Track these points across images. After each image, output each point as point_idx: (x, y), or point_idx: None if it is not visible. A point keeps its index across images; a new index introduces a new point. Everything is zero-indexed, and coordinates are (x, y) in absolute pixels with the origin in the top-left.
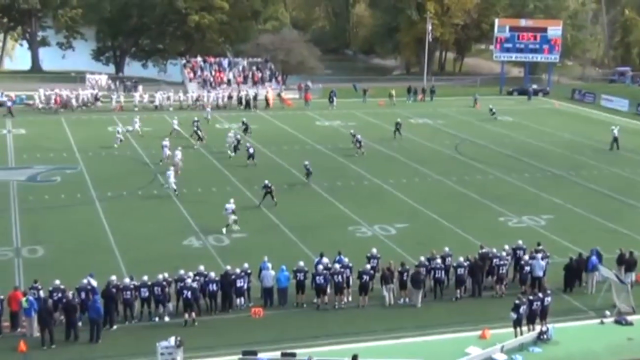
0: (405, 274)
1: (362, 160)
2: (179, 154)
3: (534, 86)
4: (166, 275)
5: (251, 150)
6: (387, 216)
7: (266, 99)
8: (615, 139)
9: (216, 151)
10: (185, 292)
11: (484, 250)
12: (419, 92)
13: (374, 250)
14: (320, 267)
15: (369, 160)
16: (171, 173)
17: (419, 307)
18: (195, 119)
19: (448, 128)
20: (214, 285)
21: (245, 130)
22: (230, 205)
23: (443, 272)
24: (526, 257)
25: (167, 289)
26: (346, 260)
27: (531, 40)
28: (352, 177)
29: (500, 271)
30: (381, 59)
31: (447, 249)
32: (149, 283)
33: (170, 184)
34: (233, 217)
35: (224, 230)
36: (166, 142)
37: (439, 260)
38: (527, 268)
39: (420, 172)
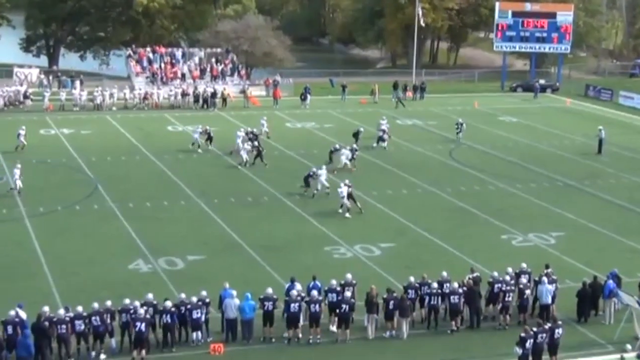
0: (392, 302)
1: (339, 169)
2: (17, 172)
3: (542, 81)
4: (108, 303)
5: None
6: (370, 234)
7: (222, 97)
8: (600, 142)
9: (169, 158)
10: (137, 324)
11: (475, 275)
12: (407, 89)
13: (349, 277)
14: (294, 293)
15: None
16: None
17: (405, 340)
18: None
19: (441, 130)
20: (168, 316)
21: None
22: (341, 190)
23: (439, 298)
24: (524, 279)
25: (108, 321)
26: (320, 286)
27: (538, 28)
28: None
29: (506, 298)
30: (362, 50)
31: (445, 273)
32: (85, 314)
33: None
34: (346, 202)
35: (347, 214)
36: None
37: (435, 285)
38: (527, 292)
39: (408, 183)
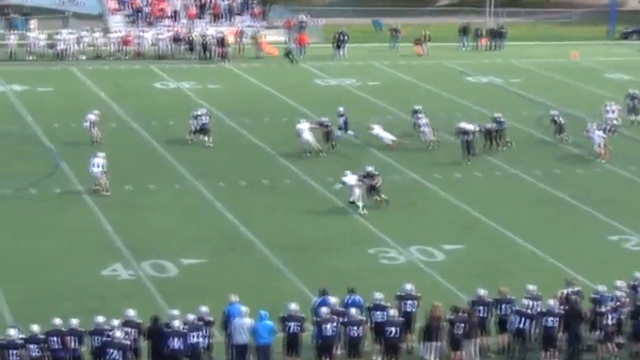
0: (461, 325)
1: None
2: None
3: None
4: (75, 322)
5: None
6: (431, 232)
7: (221, 42)
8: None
9: (157, 125)
10: (113, 351)
11: (573, 289)
12: (481, 34)
13: (409, 287)
14: (324, 310)
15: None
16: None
17: None
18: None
19: (527, 91)
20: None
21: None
22: (348, 179)
23: (527, 320)
24: None
25: (73, 345)
26: (360, 301)
27: None
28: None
29: (610, 321)
30: None
31: (532, 287)
32: (42, 336)
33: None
34: (357, 192)
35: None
36: None
37: (525, 302)
38: None
39: (482, 163)
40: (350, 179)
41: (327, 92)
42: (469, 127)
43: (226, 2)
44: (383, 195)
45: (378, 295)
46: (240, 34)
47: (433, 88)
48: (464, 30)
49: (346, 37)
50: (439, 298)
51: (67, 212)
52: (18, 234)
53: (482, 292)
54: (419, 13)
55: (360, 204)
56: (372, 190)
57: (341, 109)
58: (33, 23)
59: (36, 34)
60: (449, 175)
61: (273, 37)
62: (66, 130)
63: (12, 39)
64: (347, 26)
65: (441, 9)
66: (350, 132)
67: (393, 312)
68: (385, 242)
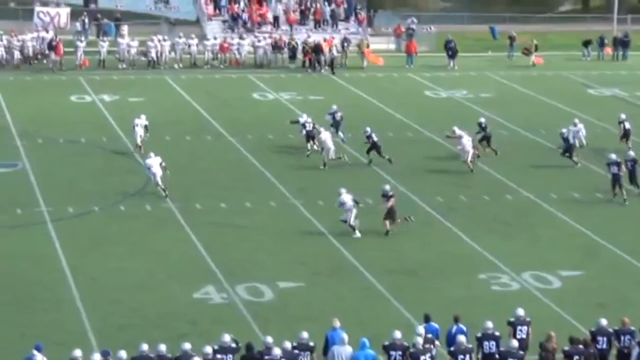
0: (578, 357)
1: (503, 160)
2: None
3: None
4: (162, 348)
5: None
6: (547, 257)
7: (316, 49)
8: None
9: (253, 139)
10: None
11: None
12: (605, 43)
13: (520, 312)
14: (462, 340)
15: (513, 158)
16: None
17: None
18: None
19: None
20: None
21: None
22: (342, 198)
23: None
24: None
25: None
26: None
27: None
28: (485, 187)
29: None
30: None
31: None
32: None
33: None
34: (354, 212)
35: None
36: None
37: None
38: None
39: (604, 181)
40: (346, 198)
41: (437, 105)
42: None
43: (329, 7)
44: (398, 220)
45: (489, 324)
46: (345, 42)
47: (551, 101)
48: (586, 42)
49: (454, 45)
50: (554, 328)
51: (157, 231)
52: (105, 254)
53: (604, 322)
54: (539, 20)
55: (355, 225)
56: (389, 213)
57: (334, 107)
58: (124, 29)
59: (128, 41)
60: (566, 195)
61: (380, 45)
62: (157, 143)
63: (103, 46)
64: (460, 33)
65: (563, 16)
66: (340, 134)
67: (515, 342)
68: (497, 267)
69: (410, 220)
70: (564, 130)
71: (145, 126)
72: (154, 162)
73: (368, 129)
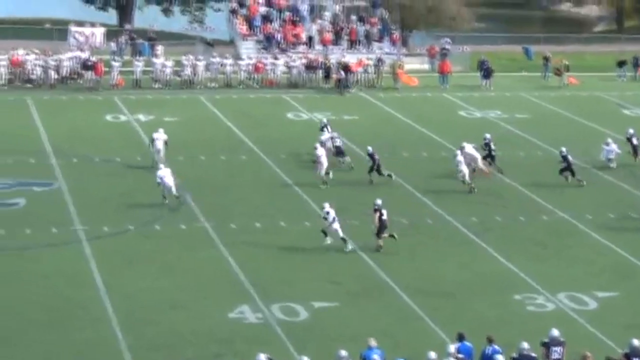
0: None
1: (539, 180)
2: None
3: None
4: None
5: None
6: (582, 278)
7: (344, 69)
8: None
9: (287, 158)
10: None
11: None
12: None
13: (555, 333)
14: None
15: (548, 179)
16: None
17: None
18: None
19: None
20: None
21: None
22: (328, 210)
23: None
24: None
25: None
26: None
27: None
28: (521, 207)
29: None
30: (575, 4)
31: None
32: None
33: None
34: (335, 226)
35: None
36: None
37: None
38: None
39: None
40: (332, 212)
41: (471, 125)
42: None
43: (364, 28)
44: (386, 235)
45: (525, 345)
46: (379, 62)
47: (586, 121)
48: (620, 63)
49: (489, 66)
50: (590, 349)
51: (192, 250)
52: (140, 273)
53: (637, 342)
54: (574, 40)
55: (344, 240)
56: (381, 228)
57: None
58: (159, 49)
59: (162, 61)
60: (601, 215)
61: (414, 65)
62: (192, 162)
63: (138, 65)
64: (494, 53)
65: (597, 36)
66: (346, 158)
67: None
68: (533, 287)
69: (394, 238)
70: (564, 149)
71: (165, 141)
72: (166, 173)
73: (370, 148)
